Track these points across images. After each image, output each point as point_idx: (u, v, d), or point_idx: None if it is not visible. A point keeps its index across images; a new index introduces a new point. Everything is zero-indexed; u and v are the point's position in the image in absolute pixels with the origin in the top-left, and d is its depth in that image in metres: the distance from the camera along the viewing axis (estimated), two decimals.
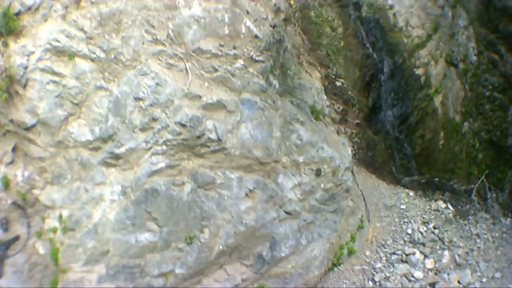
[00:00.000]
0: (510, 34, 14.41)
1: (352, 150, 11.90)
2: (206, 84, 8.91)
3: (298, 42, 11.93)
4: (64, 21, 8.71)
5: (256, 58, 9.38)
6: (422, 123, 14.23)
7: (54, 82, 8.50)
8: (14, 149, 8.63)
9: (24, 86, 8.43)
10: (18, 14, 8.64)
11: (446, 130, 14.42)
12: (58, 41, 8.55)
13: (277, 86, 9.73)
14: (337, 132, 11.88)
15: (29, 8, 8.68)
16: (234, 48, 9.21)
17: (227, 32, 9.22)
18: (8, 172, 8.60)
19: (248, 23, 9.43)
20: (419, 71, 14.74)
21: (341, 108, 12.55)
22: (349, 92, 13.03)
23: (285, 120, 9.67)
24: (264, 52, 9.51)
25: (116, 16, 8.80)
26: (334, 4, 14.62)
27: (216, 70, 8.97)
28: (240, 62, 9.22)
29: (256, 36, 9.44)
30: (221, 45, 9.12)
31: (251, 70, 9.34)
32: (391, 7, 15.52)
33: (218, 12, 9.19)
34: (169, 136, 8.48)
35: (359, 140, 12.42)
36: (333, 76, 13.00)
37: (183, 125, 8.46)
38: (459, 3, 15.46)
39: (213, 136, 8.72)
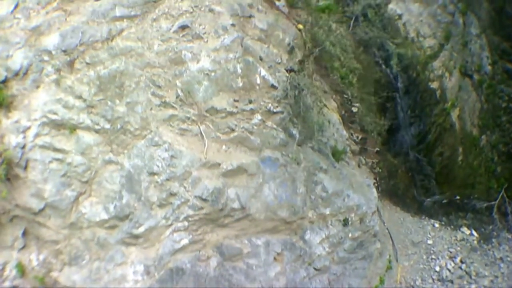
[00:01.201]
0: None
1: (375, 183, 11.31)
2: (223, 147, 8.20)
3: (314, 76, 11.17)
4: (58, 87, 7.88)
5: (274, 110, 8.68)
6: (441, 140, 13.63)
7: (57, 160, 7.72)
8: (24, 234, 7.92)
9: (25, 168, 7.65)
10: (5, 81, 7.80)
11: (465, 145, 13.86)
12: (55, 113, 7.75)
13: (297, 136, 9.04)
14: (358, 165, 11.25)
15: (17, 74, 7.84)
16: (250, 102, 8.49)
17: (241, 84, 8.48)
18: (22, 257, 7.91)
19: (263, 72, 8.68)
20: (434, 85, 14.04)
21: (360, 137, 11.88)
22: (367, 117, 12.33)
23: (309, 172, 9.03)
24: (281, 101, 8.80)
25: (117, 79, 7.99)
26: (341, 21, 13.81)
27: (233, 130, 8.25)
28: (257, 117, 8.51)
29: (272, 86, 8.72)
30: (235, 101, 8.38)
31: (269, 123, 8.65)
32: (400, 16, 14.70)
33: (229, 63, 8.42)
34: (190, 212, 7.82)
35: (380, 170, 11.81)
36: (349, 102, 12.28)
37: (204, 200, 7.78)
38: (469, 9, 14.68)
39: (236, 205, 8.07)
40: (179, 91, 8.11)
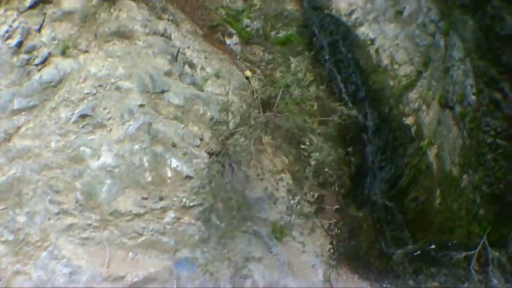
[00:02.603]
0: None
1: (331, 248, 10.41)
2: (130, 254, 7.47)
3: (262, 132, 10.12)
4: None
5: (191, 204, 7.84)
6: (415, 183, 12.43)
7: None
8: None
9: None
10: None
11: (443, 187, 12.63)
12: None
13: (222, 225, 8.17)
14: (312, 229, 10.32)
15: None
16: (161, 199, 7.67)
17: (149, 179, 7.66)
18: None
19: (175, 162, 7.80)
20: (409, 120, 12.71)
21: (316, 195, 10.86)
22: (327, 169, 11.24)
23: (236, 267, 8.21)
24: (200, 191, 7.91)
25: (15, 186, 7.33)
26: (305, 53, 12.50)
27: (140, 235, 7.48)
28: (170, 215, 7.69)
29: (187, 177, 7.83)
30: (144, 198, 7.58)
31: (185, 219, 7.83)
32: (373, 41, 13.23)
33: (134, 156, 7.61)
34: None
35: (339, 231, 10.83)
36: (307, 154, 11.17)
37: None
38: (452, 29, 13.07)
39: None
40: (78, 194, 7.36)
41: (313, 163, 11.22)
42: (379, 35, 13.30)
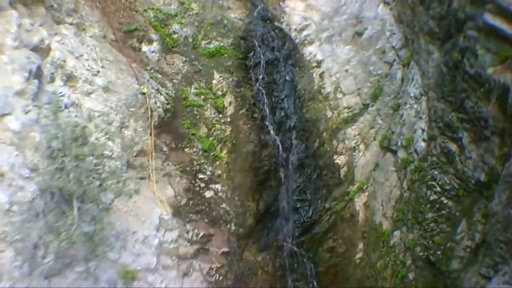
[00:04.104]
0: (481, 117, 9.90)
1: None
2: None
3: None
4: None
5: (14, 238, 7.21)
6: (334, 232, 11.01)
7: None
8: None
9: None
10: None
11: (368, 241, 11.03)
12: None
13: (50, 263, 7.51)
14: (185, 273, 9.40)
15: None
16: None
17: None
18: None
19: None
20: (341, 160, 11.16)
21: (202, 233, 9.83)
22: (224, 204, 10.19)
23: None
24: (25, 225, 7.25)
25: None
26: (233, 69, 11.26)
27: None
28: None
29: (9, 210, 7.20)
30: None
31: (6, 253, 7.23)
32: (319, 63, 11.64)
33: None
34: None
35: (220, 277, 9.79)
36: (203, 185, 10.17)
37: None
38: (414, 60, 11.11)
39: None
40: None
41: (208, 195, 10.27)
42: (328, 58, 11.69)
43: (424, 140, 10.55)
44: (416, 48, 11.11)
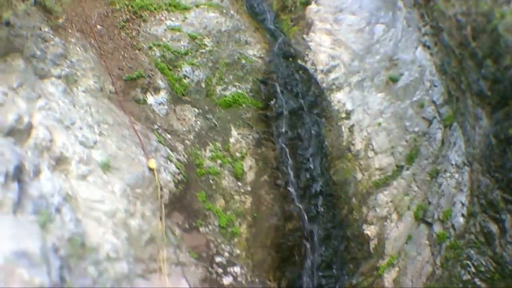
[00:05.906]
0: None
1: None
2: None
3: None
4: None
5: None
6: None
7: None
8: None
9: None
10: None
11: None
12: None
13: None
14: None
15: None
16: None
17: None
18: None
19: None
20: (370, 230, 9.96)
21: None
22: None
23: None
24: None
25: None
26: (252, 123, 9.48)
27: None
28: None
29: None
30: None
31: None
32: (349, 114, 10.09)
33: None
34: None
35: None
36: (220, 271, 8.66)
37: None
38: (457, 122, 9.84)
39: None
40: None
41: (226, 282, 8.82)
42: (359, 107, 10.14)
43: (463, 215, 9.55)
44: (461, 109, 9.79)
